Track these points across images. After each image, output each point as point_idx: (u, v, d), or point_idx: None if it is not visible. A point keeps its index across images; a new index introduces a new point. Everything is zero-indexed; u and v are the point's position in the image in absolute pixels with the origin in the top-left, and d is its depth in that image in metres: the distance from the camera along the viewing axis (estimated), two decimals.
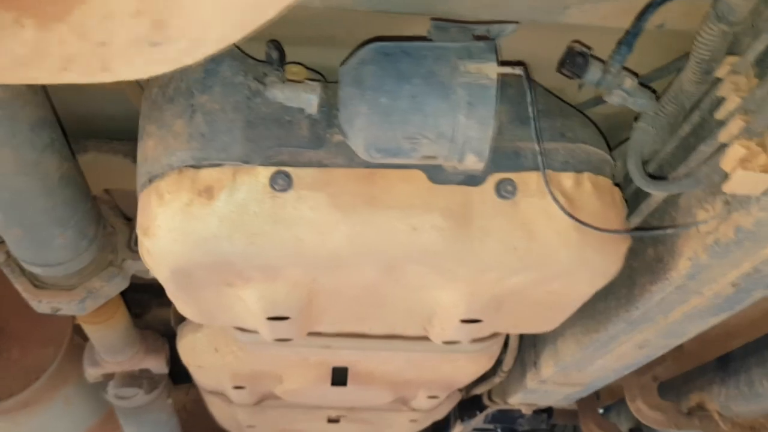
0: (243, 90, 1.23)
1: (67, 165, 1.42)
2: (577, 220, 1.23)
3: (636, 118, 1.30)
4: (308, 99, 1.17)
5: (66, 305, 1.74)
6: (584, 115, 1.44)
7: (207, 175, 1.21)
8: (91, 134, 1.78)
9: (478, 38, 1.13)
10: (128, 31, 0.72)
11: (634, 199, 1.51)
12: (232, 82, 1.23)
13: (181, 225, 1.20)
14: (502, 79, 1.30)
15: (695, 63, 1.18)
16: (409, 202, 1.24)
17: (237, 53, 1.27)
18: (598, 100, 1.54)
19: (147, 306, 2.82)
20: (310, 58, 1.35)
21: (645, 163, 1.43)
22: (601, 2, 1.23)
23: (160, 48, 0.75)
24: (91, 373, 2.42)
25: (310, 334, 1.70)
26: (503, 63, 1.12)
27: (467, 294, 1.42)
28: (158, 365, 2.43)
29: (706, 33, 1.13)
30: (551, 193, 1.20)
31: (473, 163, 1.17)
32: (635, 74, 1.27)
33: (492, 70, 1.08)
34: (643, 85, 1.27)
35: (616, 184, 1.41)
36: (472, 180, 1.27)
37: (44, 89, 1.36)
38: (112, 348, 2.24)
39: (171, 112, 1.23)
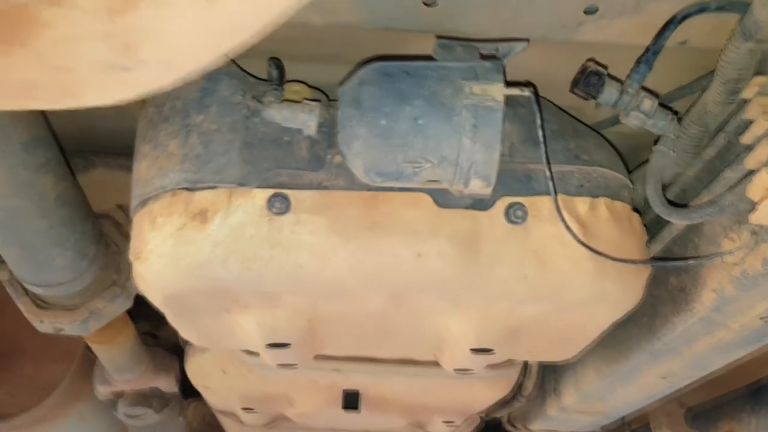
0: (241, 110, 1.18)
1: (64, 185, 1.38)
2: (591, 249, 1.16)
3: (656, 141, 1.22)
4: (306, 120, 1.12)
5: (68, 325, 1.70)
6: (602, 135, 1.37)
7: (202, 197, 1.16)
8: (99, 149, 1.76)
9: (485, 58, 1.07)
10: (96, 55, 0.68)
11: (655, 225, 1.42)
12: (229, 102, 1.19)
13: (173, 250, 1.15)
14: (513, 99, 1.24)
15: (720, 83, 1.11)
16: (414, 227, 1.18)
17: (236, 71, 1.23)
18: (617, 120, 1.46)
19: (163, 319, 2.78)
20: (316, 76, 1.30)
21: (666, 187, 1.35)
22: (617, 18, 1.15)
23: (131, 72, 0.70)
24: (101, 391, 2.39)
25: (318, 357, 1.64)
26: (511, 83, 1.06)
27: (477, 323, 1.35)
28: (168, 384, 2.39)
29: (731, 51, 1.05)
30: (562, 219, 1.13)
31: (479, 188, 1.10)
32: (655, 95, 1.20)
33: (498, 91, 1.02)
34: (664, 106, 1.20)
35: (636, 210, 1.33)
36: (481, 204, 1.20)
37: None
38: (121, 367, 2.21)
39: (166, 132, 1.18)
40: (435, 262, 1.18)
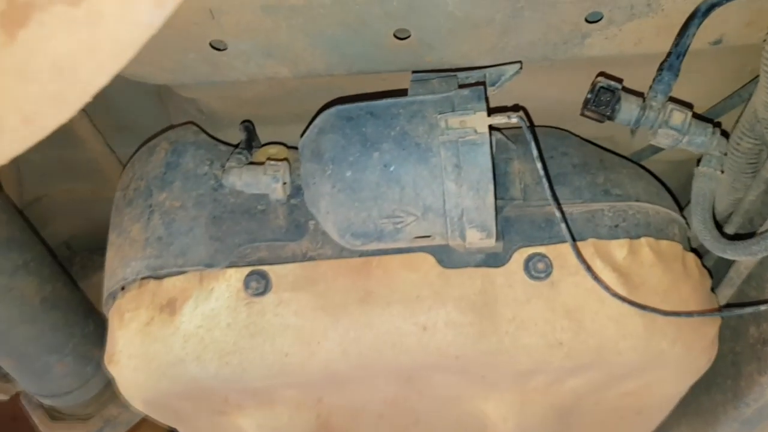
0: (207, 181, 1.05)
1: (51, 287, 1.28)
2: (633, 303, 0.94)
3: (698, 162, 1.00)
4: (270, 183, 0.97)
5: None
6: (640, 165, 1.15)
7: (170, 285, 1.02)
8: None
9: (465, 87, 0.89)
10: None
11: (722, 264, 1.18)
12: (195, 174, 1.06)
13: (142, 349, 1.00)
14: (517, 131, 1.06)
15: None
16: (415, 295, 0.99)
17: (204, 140, 1.10)
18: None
19: None
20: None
21: (728, 217, 1.12)
22: (628, 23, 0.97)
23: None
24: None
25: None
26: (496, 110, 0.88)
27: (516, 405, 1.12)
28: None
29: None
30: (587, 268, 0.92)
31: (479, 240, 0.91)
32: (689, 105, 0.99)
33: (481, 121, 0.84)
34: (701, 118, 0.98)
35: (693, 249, 1.10)
36: (495, 259, 1.00)
37: (14, 207, 1.25)
38: None
39: (129, 217, 1.06)
40: (444, 334, 0.98)
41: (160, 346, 1.00)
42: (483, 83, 0.91)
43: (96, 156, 1.48)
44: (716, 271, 1.19)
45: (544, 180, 0.86)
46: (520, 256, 1.00)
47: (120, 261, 1.03)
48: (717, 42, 1.00)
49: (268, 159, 1.00)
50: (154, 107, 1.37)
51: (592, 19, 0.96)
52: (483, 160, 0.83)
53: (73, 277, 1.45)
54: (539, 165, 0.84)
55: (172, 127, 1.16)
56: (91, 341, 1.42)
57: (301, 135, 0.95)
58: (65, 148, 1.48)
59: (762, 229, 0.97)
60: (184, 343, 0.99)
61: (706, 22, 0.94)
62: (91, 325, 1.41)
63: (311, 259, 1.02)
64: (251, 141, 1.06)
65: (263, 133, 1.22)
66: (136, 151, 1.16)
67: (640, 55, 1.02)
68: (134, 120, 1.43)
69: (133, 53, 0.54)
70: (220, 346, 0.99)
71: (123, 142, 1.49)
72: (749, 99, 0.99)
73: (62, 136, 1.46)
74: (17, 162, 1.54)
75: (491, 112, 0.85)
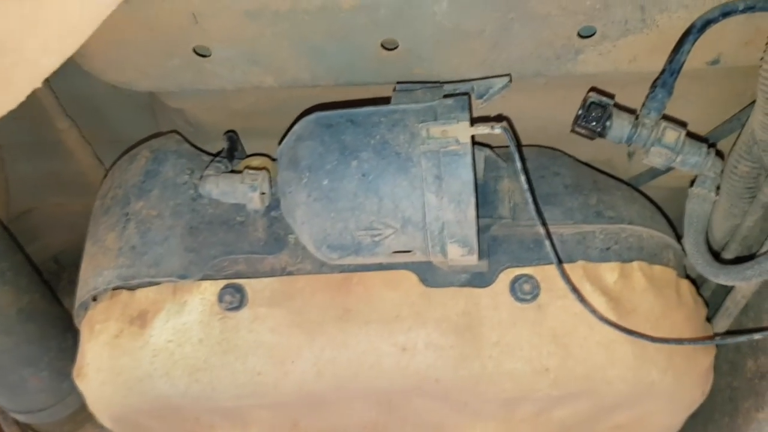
0: (187, 191, 1.02)
1: (29, 298, 1.25)
2: (622, 329, 0.89)
3: (692, 183, 0.96)
4: (247, 192, 0.94)
5: None
6: (635, 189, 1.12)
7: (142, 296, 0.98)
8: None
9: (449, 97, 0.86)
10: None
11: (720, 294, 1.13)
12: (173, 183, 1.03)
13: (110, 363, 0.96)
14: (509, 150, 1.03)
15: (766, 100, 0.86)
16: (395, 314, 0.95)
17: (186, 149, 1.08)
18: (658, 170, 1.21)
19: None
20: None
21: (725, 245, 1.08)
22: (622, 39, 0.94)
23: None
24: None
25: None
26: (480, 119, 0.85)
27: None
28: None
29: None
30: (574, 290, 0.87)
31: (461, 256, 0.87)
32: (682, 124, 0.96)
33: (463, 131, 0.80)
34: (696, 137, 0.95)
35: (688, 276, 1.05)
36: (480, 279, 0.96)
37: None
38: None
39: (105, 226, 1.03)
40: (425, 357, 0.94)
41: (129, 360, 0.96)
42: (468, 93, 0.88)
43: (84, 169, 1.45)
44: (713, 302, 1.14)
45: (527, 194, 0.82)
46: (506, 277, 0.96)
47: (93, 270, 1.00)
48: (714, 62, 0.97)
49: (247, 167, 0.97)
50: (147, 121, 1.35)
51: (585, 34, 0.94)
52: (465, 172, 0.80)
53: (54, 291, 1.41)
54: (523, 178, 0.81)
55: (157, 135, 1.13)
56: (69, 356, 1.36)
57: (279, 142, 0.92)
58: (54, 159, 1.46)
59: (758, 257, 0.93)
60: (153, 358, 0.95)
61: (703, 40, 0.91)
62: (69, 339, 1.37)
63: (290, 273, 0.98)
64: (233, 150, 1.03)
65: (253, 147, 1.20)
66: (118, 158, 1.14)
67: (636, 74, 0.99)
68: (127, 134, 1.40)
69: (86, 33, 0.52)
70: (191, 362, 0.95)
71: (116, 156, 1.47)
72: (745, 124, 0.95)
73: (51, 147, 1.45)
74: (5, 172, 1.52)
75: (475, 121, 0.81)
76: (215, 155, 1.08)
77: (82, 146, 1.42)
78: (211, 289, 0.97)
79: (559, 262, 0.89)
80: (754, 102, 1.04)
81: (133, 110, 1.34)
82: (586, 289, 0.94)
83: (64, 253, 1.82)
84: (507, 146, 0.85)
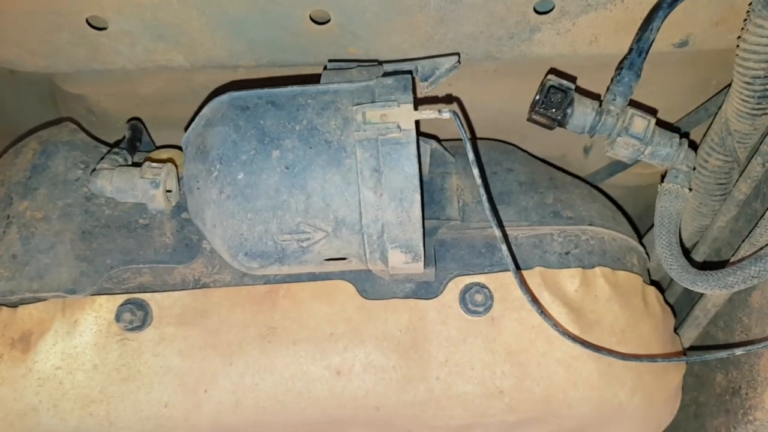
0: (79, 189, 0.87)
1: None
2: (585, 344, 0.78)
3: (663, 178, 0.86)
4: (147, 189, 0.79)
5: None
6: (594, 186, 1.02)
7: (25, 315, 0.82)
8: None
9: (389, 75, 0.73)
10: None
11: (686, 301, 1.04)
12: (64, 180, 0.87)
13: None
14: (457, 143, 0.91)
15: (742, 84, 0.76)
16: (329, 332, 0.82)
17: (81, 140, 0.92)
18: (617, 166, 1.12)
19: None
20: None
21: (693, 246, 0.98)
22: (582, 16, 0.83)
23: None
24: None
25: None
26: (427, 100, 0.72)
27: None
28: None
29: (753, 32, 0.72)
30: (532, 301, 0.76)
31: (404, 263, 0.74)
32: (653, 111, 0.86)
33: (406, 115, 0.68)
34: (669, 127, 0.85)
35: (654, 282, 0.95)
36: (425, 290, 0.84)
37: None
38: None
39: None
40: (363, 381, 0.81)
41: (8, 391, 0.80)
42: (411, 72, 0.75)
43: None
44: (678, 309, 1.05)
45: (482, 190, 0.70)
46: (455, 287, 0.84)
47: None
48: (683, 43, 0.88)
49: (148, 159, 0.82)
50: (48, 110, 1.18)
51: (542, 10, 0.83)
52: (408, 164, 0.67)
53: None
54: (476, 172, 0.69)
55: (47, 125, 0.97)
56: None
57: (185, 128, 0.77)
58: None
59: (735, 258, 0.83)
60: (38, 388, 0.80)
61: (672, 18, 0.81)
62: None
63: (204, 286, 0.84)
64: (135, 141, 0.88)
65: (166, 140, 1.05)
66: (3, 152, 0.97)
67: (597, 57, 0.88)
68: (26, 125, 1.24)
69: None
70: (84, 393, 0.80)
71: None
72: (717, 113, 0.86)
73: None
74: None
75: (420, 104, 0.69)
76: (113, 145, 0.92)
77: None
78: (107, 305, 0.82)
79: (517, 268, 0.78)
80: (721, 91, 0.95)
81: (33, 99, 1.17)
82: (545, 299, 0.83)
83: None
84: (455, 139, 0.73)
